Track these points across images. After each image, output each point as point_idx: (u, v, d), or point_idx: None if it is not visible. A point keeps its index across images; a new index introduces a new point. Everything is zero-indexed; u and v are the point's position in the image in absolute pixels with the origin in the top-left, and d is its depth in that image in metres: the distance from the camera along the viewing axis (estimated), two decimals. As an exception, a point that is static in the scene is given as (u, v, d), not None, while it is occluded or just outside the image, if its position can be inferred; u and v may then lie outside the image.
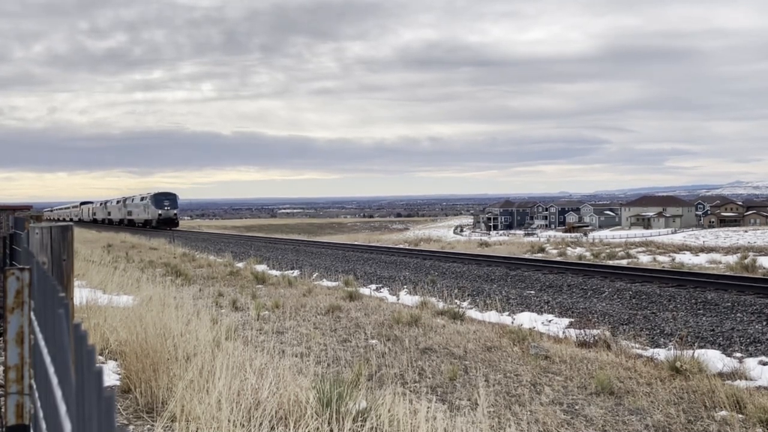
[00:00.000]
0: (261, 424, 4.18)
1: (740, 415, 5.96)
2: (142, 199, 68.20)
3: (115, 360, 6.36)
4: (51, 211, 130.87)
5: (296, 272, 19.92)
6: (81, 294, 9.21)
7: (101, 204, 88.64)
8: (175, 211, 63.51)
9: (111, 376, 5.76)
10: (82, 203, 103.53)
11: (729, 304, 12.13)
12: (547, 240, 43.15)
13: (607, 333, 9.61)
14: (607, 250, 29.77)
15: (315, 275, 18.72)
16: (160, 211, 62.45)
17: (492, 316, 11.56)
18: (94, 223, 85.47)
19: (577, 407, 6.26)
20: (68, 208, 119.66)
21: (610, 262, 23.19)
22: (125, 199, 75.80)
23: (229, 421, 4.08)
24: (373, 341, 9.08)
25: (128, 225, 70.17)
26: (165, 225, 61.02)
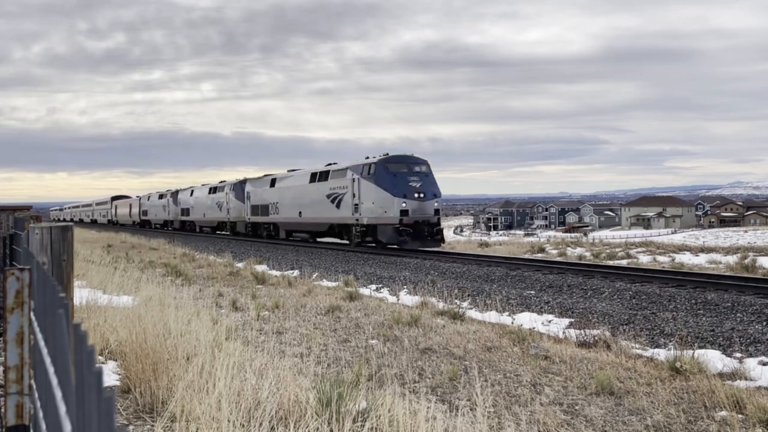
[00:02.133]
0: (261, 424, 4.18)
1: (740, 416, 5.96)
2: (324, 176, 30.14)
3: (115, 360, 6.36)
4: (60, 210, 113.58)
5: (296, 272, 19.92)
6: (81, 294, 9.21)
7: (165, 196, 55.40)
8: (436, 204, 26.22)
9: (111, 377, 5.76)
10: (115, 198, 78.10)
11: (729, 304, 12.13)
12: (547, 240, 43.17)
13: (607, 333, 9.61)
14: (607, 251, 29.76)
15: (315, 275, 18.72)
16: (404, 203, 25.64)
17: (492, 316, 11.56)
18: (141, 228, 59.50)
19: (577, 407, 6.26)
20: (89, 205, 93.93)
21: (610, 262, 23.17)
22: (241, 184, 40.59)
23: (229, 421, 4.08)
24: (373, 341, 9.08)
25: (251, 236, 38.50)
26: (417, 239, 25.61)
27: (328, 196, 29.57)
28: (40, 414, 1.68)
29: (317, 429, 4.30)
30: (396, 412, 4.42)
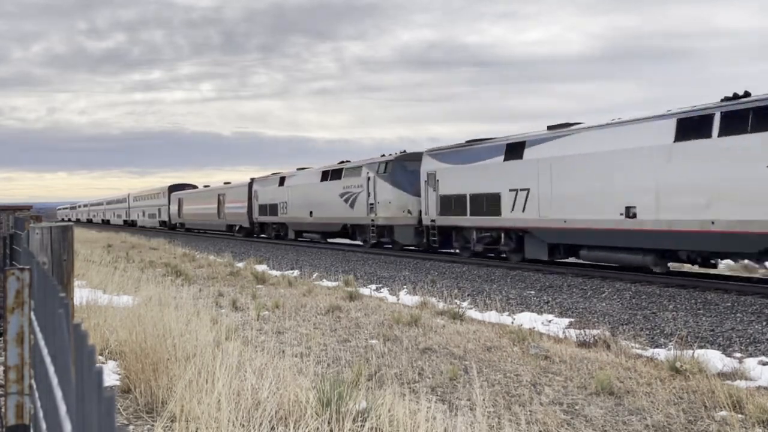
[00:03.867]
0: (261, 424, 4.18)
1: (740, 415, 5.96)
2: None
3: (115, 360, 6.37)
4: (72, 209, 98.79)
5: (296, 272, 19.92)
6: (81, 294, 9.22)
7: (348, 174, 27.82)
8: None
9: (111, 376, 5.77)
10: (175, 188, 52.77)
11: (729, 304, 12.13)
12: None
13: (607, 333, 9.61)
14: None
15: (315, 275, 18.72)
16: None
17: (492, 316, 11.55)
18: (248, 237, 38.00)
19: (577, 407, 6.26)
20: (119, 201, 67.74)
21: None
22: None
23: (228, 421, 4.08)
24: (373, 341, 9.08)
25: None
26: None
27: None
28: (40, 414, 1.68)
29: (317, 429, 4.31)
30: (396, 412, 4.42)
